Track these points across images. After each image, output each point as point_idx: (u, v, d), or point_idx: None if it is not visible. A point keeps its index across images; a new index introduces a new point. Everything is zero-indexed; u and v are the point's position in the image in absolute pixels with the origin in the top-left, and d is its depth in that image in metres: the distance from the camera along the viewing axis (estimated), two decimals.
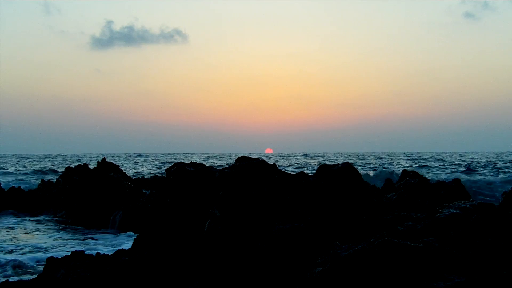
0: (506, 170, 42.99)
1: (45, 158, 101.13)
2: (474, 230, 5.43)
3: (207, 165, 8.52)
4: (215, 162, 71.88)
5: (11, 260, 10.99)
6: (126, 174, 21.90)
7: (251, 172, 7.15)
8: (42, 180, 23.64)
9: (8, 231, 15.85)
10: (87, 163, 20.98)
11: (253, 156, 8.66)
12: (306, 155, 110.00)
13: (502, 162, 58.09)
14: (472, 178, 32.43)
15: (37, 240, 14.29)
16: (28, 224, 17.63)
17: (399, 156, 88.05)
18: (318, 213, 6.35)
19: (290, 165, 59.37)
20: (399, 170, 32.30)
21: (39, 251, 12.52)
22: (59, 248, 13.12)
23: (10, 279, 8.00)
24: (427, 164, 56.95)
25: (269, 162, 7.55)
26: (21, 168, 53.45)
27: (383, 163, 59.23)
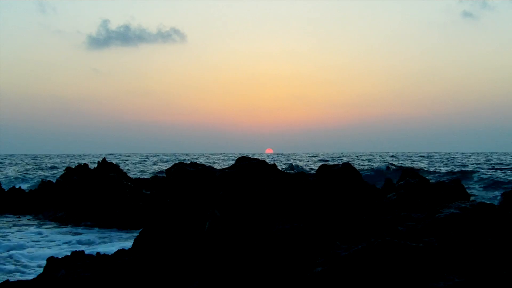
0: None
1: (43, 158, 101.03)
2: (474, 230, 5.43)
3: (207, 165, 8.51)
4: (214, 162, 71.83)
5: (11, 260, 11.01)
6: (126, 174, 21.89)
7: (251, 172, 7.16)
8: (42, 180, 23.63)
9: (8, 231, 15.85)
10: (85, 163, 20.99)
11: (253, 156, 8.65)
12: (307, 155, 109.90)
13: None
14: None
15: (37, 240, 14.29)
16: (28, 225, 17.64)
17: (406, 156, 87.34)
18: (318, 213, 6.35)
19: (286, 163, 59.16)
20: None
21: (39, 251, 12.53)
22: (60, 247, 13.13)
23: (10, 279, 8.01)
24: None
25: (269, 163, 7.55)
26: (19, 168, 53.41)
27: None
